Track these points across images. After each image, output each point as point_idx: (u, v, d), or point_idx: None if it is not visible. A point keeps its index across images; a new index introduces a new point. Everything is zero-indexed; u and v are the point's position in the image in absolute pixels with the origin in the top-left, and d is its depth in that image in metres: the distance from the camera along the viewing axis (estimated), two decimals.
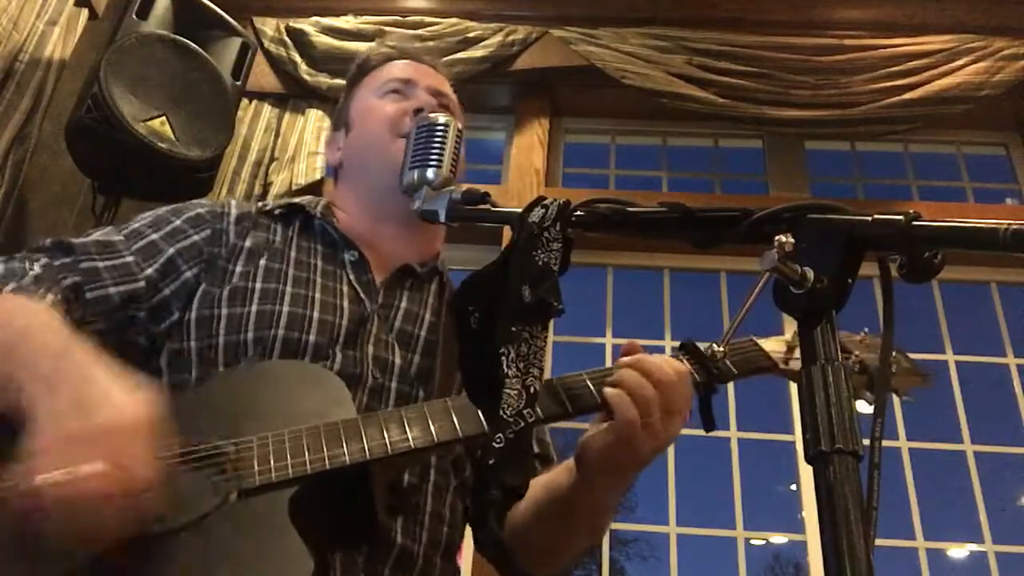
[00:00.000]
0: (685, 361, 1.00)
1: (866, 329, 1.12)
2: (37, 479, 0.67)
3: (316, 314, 1.03)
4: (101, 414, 0.72)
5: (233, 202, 1.16)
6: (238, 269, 1.07)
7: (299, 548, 0.76)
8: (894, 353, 1.09)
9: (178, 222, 1.09)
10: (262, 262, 1.08)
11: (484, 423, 0.89)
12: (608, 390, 0.92)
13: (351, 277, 1.11)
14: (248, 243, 1.10)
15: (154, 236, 1.06)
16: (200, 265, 1.06)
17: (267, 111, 2.83)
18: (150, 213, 1.12)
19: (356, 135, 1.25)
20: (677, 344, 1.04)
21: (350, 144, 1.26)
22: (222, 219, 1.11)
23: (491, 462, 0.74)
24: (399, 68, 1.28)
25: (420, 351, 1.09)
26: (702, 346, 1.02)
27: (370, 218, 1.19)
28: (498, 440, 0.74)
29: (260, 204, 1.19)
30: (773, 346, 1.08)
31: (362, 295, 1.09)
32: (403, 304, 1.13)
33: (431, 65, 1.31)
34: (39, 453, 0.70)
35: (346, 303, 1.07)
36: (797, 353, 1.06)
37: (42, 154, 2.34)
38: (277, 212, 1.17)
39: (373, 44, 1.36)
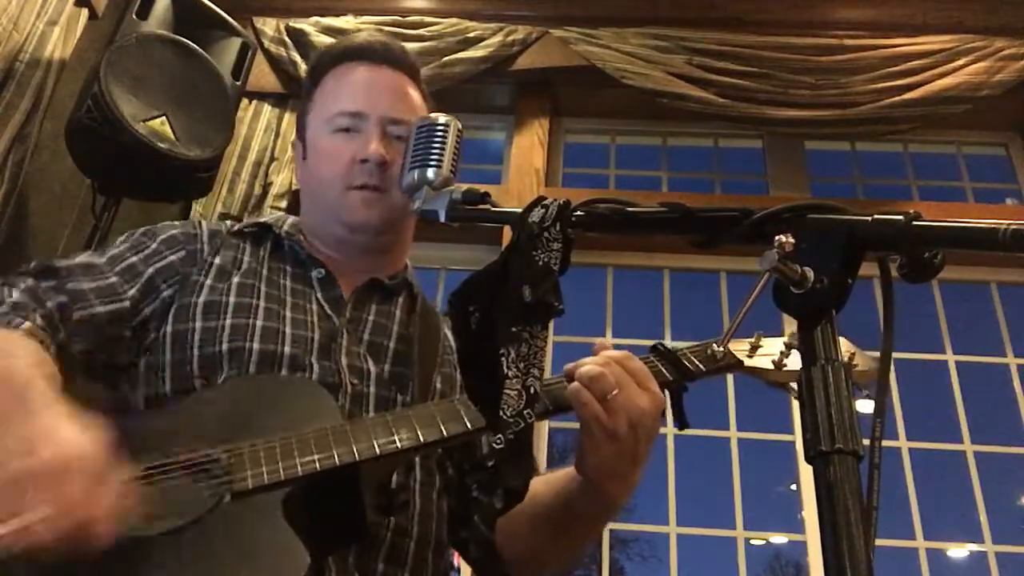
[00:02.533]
0: (656, 361, 1.03)
1: (844, 338, 1.13)
2: None
3: (288, 329, 1.06)
4: (45, 451, 0.71)
5: (204, 222, 1.19)
6: (208, 282, 1.09)
7: (295, 544, 0.78)
8: (854, 351, 1.10)
9: (155, 244, 1.12)
10: (235, 279, 1.10)
11: (467, 423, 0.91)
12: (570, 385, 0.93)
13: (319, 295, 1.13)
14: (218, 260, 1.13)
15: (133, 259, 1.09)
16: (175, 284, 1.09)
17: (267, 111, 2.83)
18: (126, 238, 1.15)
19: (311, 170, 1.21)
20: (677, 345, 1.07)
21: (307, 174, 1.23)
22: (195, 240, 1.15)
23: (491, 463, 0.74)
24: (349, 88, 1.19)
25: (391, 361, 1.10)
26: (684, 349, 1.05)
27: (328, 244, 1.20)
28: (498, 441, 0.74)
29: (229, 224, 1.22)
30: (738, 347, 1.11)
31: (329, 311, 1.11)
32: (371, 317, 1.14)
33: (393, 64, 1.21)
34: None
35: (316, 319, 1.09)
36: (760, 352, 1.10)
37: (42, 154, 2.34)
38: (246, 231, 1.20)
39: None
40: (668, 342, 2.62)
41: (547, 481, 1.07)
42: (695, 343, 1.09)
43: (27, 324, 0.92)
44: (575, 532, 1.07)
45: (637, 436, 0.92)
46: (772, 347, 1.10)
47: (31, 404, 0.76)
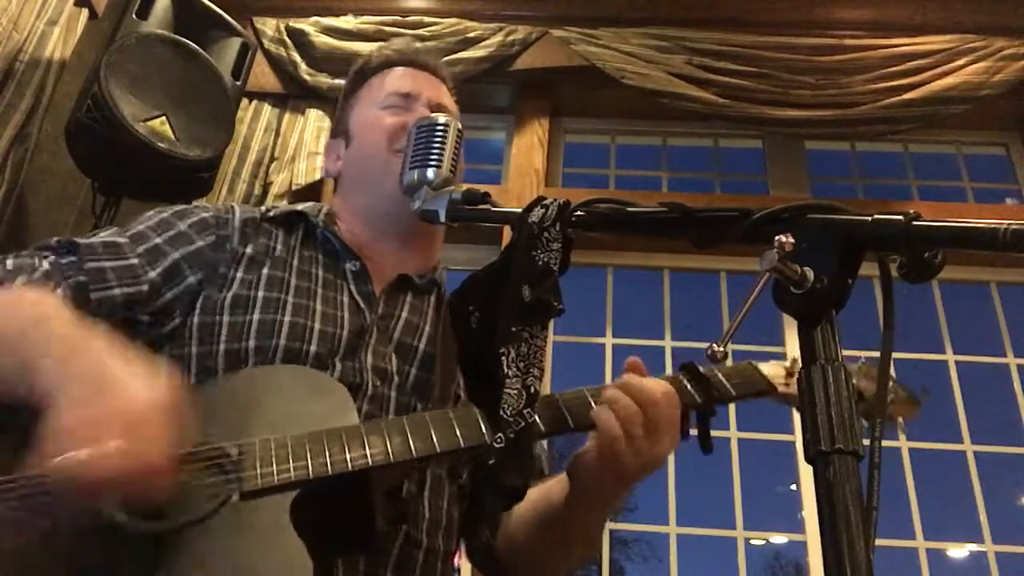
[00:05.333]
0: (685, 382, 1.00)
1: (863, 359, 1.12)
2: (58, 459, 0.68)
3: (317, 325, 1.04)
4: (119, 395, 0.73)
5: (237, 208, 1.15)
6: (239, 275, 1.06)
7: (300, 549, 0.77)
8: (892, 382, 1.08)
9: (183, 227, 1.09)
10: (265, 271, 1.08)
11: (486, 434, 0.89)
12: (595, 408, 0.92)
13: (352, 288, 1.11)
14: (249, 250, 1.10)
15: (158, 240, 1.06)
16: (204, 271, 1.05)
17: (267, 111, 2.83)
18: (154, 215, 1.11)
19: (356, 147, 1.24)
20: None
21: (350, 156, 1.25)
22: (227, 225, 1.11)
23: (491, 462, 0.74)
24: (399, 78, 1.27)
25: (418, 364, 1.09)
26: (712, 368, 1.02)
27: (369, 231, 1.19)
28: (498, 440, 0.74)
29: (263, 209, 1.19)
30: (772, 370, 1.09)
31: (362, 305, 1.10)
32: (403, 314, 1.13)
33: (432, 71, 1.30)
34: (59, 434, 0.70)
35: (346, 314, 1.07)
36: (796, 378, 1.08)
37: (42, 154, 2.34)
38: (280, 217, 1.17)
39: (374, 48, 1.36)
40: (668, 342, 2.63)
41: (544, 489, 1.07)
42: (731, 366, 1.05)
43: (59, 291, 0.95)
44: (563, 541, 1.07)
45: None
46: None
47: (95, 352, 0.78)
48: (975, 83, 2.70)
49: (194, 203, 1.16)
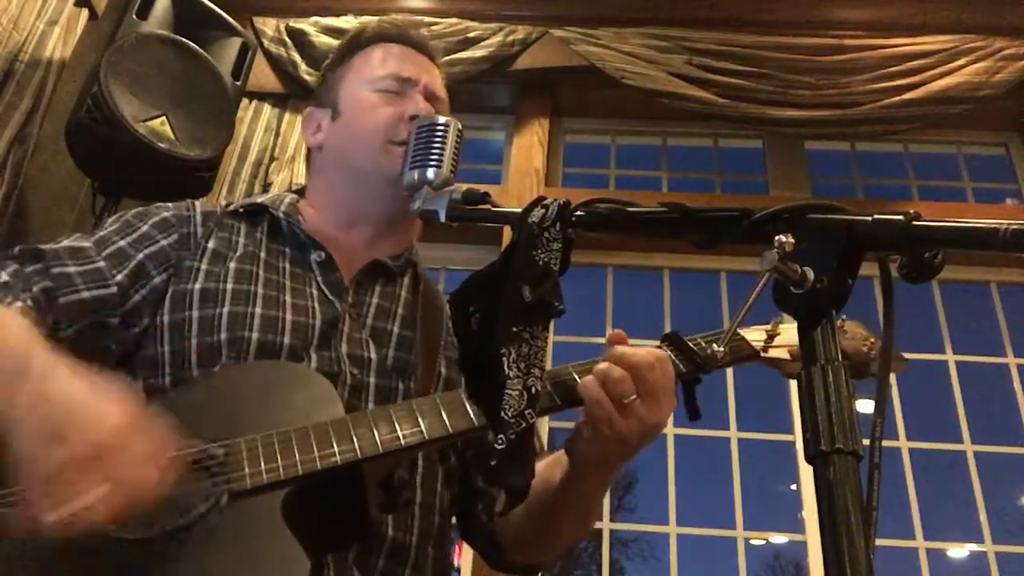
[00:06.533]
0: (668, 351, 0.99)
1: (844, 316, 1.11)
2: (46, 519, 0.68)
3: (289, 316, 1.03)
4: (77, 437, 0.70)
5: (198, 203, 1.15)
6: (204, 267, 1.06)
7: (294, 549, 0.76)
8: (872, 339, 1.08)
9: (145, 228, 1.08)
10: (232, 264, 1.07)
11: (473, 418, 0.89)
12: (583, 378, 0.91)
13: (319, 278, 1.10)
14: (212, 244, 1.09)
15: (122, 243, 1.05)
16: (169, 270, 1.05)
17: (267, 111, 2.83)
18: (116, 219, 1.11)
19: (345, 126, 1.19)
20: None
21: (337, 133, 1.20)
22: (188, 222, 1.11)
23: (493, 463, 0.74)
24: (395, 58, 1.22)
25: (395, 346, 1.08)
26: (696, 337, 1.02)
27: (344, 216, 1.17)
28: (500, 441, 0.74)
29: (224, 204, 1.18)
30: (754, 335, 1.09)
31: (330, 296, 1.08)
32: (375, 300, 1.11)
33: (428, 53, 1.27)
34: (37, 489, 0.69)
35: (316, 304, 1.06)
36: (777, 341, 1.07)
37: (42, 154, 2.34)
38: (241, 211, 1.16)
39: (374, 19, 1.33)
40: None
41: (542, 466, 1.07)
42: (709, 332, 1.04)
43: (19, 304, 0.92)
44: (560, 519, 1.06)
45: (641, 443, 0.91)
46: (790, 336, 1.06)
47: (41, 375, 0.75)
48: (975, 83, 2.70)
49: (156, 204, 1.15)
